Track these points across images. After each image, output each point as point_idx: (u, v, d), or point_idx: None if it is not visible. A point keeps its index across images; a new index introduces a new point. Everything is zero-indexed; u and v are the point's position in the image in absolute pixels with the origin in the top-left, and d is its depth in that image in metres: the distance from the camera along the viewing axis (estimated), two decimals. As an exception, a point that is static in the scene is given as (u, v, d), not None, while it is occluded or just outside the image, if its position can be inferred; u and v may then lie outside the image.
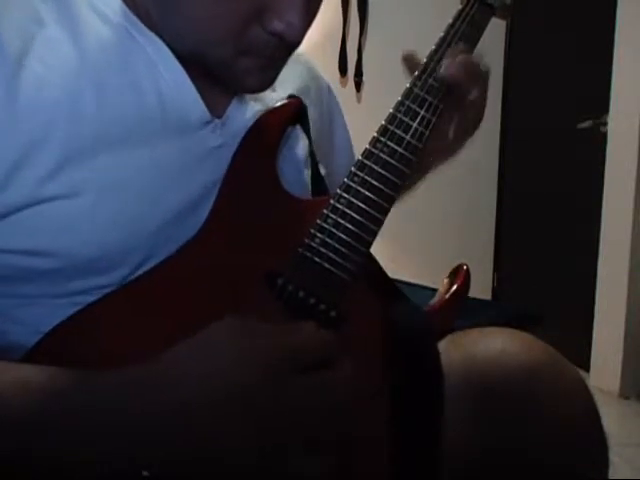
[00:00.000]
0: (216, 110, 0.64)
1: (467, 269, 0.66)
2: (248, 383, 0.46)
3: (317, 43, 2.54)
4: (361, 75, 2.87)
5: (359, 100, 2.88)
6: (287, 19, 0.57)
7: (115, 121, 0.57)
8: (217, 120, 0.63)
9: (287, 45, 0.60)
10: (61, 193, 0.54)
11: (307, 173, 0.71)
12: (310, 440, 0.47)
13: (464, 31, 0.68)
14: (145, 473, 0.46)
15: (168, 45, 0.61)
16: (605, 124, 2.44)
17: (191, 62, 0.62)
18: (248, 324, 0.49)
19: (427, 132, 0.64)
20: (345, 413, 0.49)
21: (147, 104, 0.59)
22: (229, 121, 0.64)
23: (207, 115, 0.62)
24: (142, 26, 0.61)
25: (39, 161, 0.53)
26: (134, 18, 0.61)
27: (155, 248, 0.57)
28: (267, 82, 0.64)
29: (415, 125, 0.64)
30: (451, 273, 0.66)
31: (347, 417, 0.49)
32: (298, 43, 0.60)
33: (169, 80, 0.61)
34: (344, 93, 2.76)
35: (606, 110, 2.42)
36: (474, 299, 0.71)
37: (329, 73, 3.10)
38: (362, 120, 0.85)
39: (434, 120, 0.65)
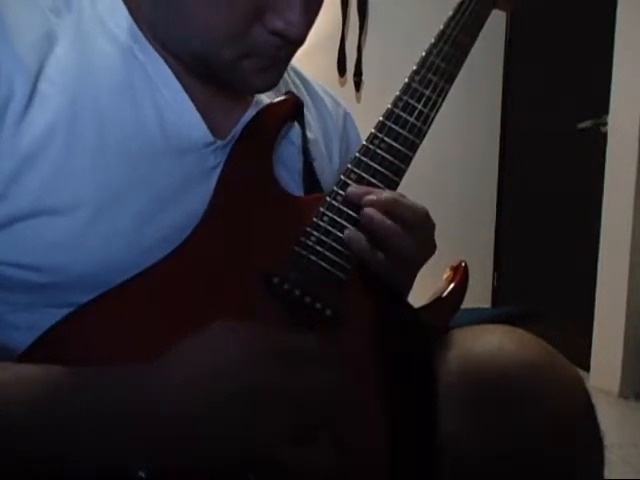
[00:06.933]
0: (221, 132, 0.64)
1: (465, 266, 0.65)
2: (245, 380, 0.46)
3: (316, 43, 2.53)
4: (360, 75, 2.87)
5: (358, 100, 2.88)
6: (287, 17, 0.57)
7: (113, 139, 0.57)
8: (220, 141, 0.63)
9: (289, 44, 0.59)
10: (57, 207, 0.54)
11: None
12: (303, 433, 0.47)
13: (465, 23, 0.68)
14: (141, 474, 0.45)
15: (173, 53, 0.62)
16: (605, 124, 2.44)
17: (196, 68, 0.62)
18: (243, 324, 0.49)
19: (425, 127, 0.64)
20: (330, 407, 0.49)
21: (146, 123, 0.59)
22: (232, 142, 0.64)
23: (209, 136, 0.62)
24: (147, 45, 0.61)
25: (36, 172, 0.54)
26: (140, 36, 0.61)
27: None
28: (271, 82, 0.64)
29: (413, 120, 0.64)
30: (450, 269, 0.66)
31: (332, 411, 0.49)
32: (301, 42, 0.60)
33: (170, 101, 0.61)
34: (343, 93, 2.75)
35: (606, 110, 2.42)
36: (472, 309, 0.71)
37: (328, 73, 3.08)
38: (362, 120, 0.84)
39: (433, 115, 0.65)
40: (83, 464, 0.45)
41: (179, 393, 0.45)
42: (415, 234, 0.61)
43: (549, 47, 2.82)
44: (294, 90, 0.75)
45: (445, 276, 0.66)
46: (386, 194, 0.61)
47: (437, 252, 0.66)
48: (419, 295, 0.69)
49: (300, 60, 0.72)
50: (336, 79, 2.84)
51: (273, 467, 0.46)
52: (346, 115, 0.83)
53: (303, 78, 0.80)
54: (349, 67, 2.87)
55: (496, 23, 2.84)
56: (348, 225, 0.60)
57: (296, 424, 0.46)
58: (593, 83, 2.53)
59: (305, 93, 0.78)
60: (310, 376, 0.47)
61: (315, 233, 0.60)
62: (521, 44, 3.01)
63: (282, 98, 0.69)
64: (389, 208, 0.60)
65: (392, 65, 2.44)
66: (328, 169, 0.74)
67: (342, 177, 0.62)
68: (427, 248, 0.64)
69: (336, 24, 2.82)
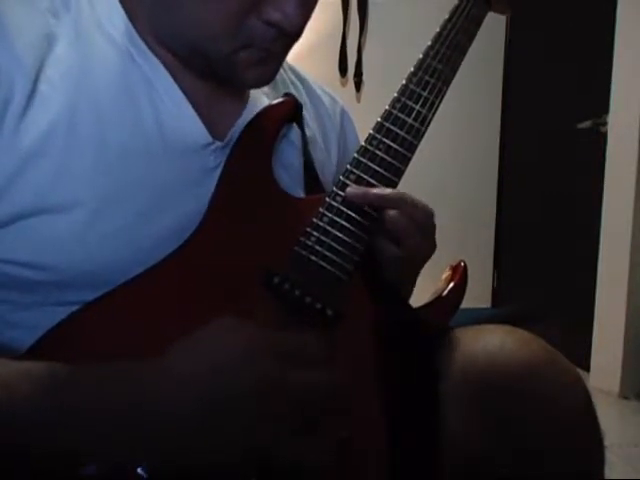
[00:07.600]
0: (219, 132, 0.64)
1: (465, 266, 0.65)
2: (245, 376, 0.46)
3: (317, 43, 2.53)
4: (361, 75, 2.87)
5: (359, 100, 2.88)
6: (284, 9, 0.57)
7: (112, 139, 0.57)
8: (218, 142, 0.63)
9: (285, 36, 0.60)
10: (57, 206, 0.55)
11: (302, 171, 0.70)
12: (303, 428, 0.47)
13: (461, 26, 0.68)
14: (140, 471, 0.46)
15: (172, 51, 0.62)
16: (605, 124, 2.44)
17: (195, 65, 0.62)
18: (243, 322, 0.49)
19: (423, 128, 0.65)
20: (329, 402, 0.49)
21: (145, 125, 0.59)
22: (231, 143, 0.64)
23: (207, 137, 0.62)
24: (144, 47, 0.62)
25: (36, 171, 0.54)
26: (137, 39, 0.62)
27: (150, 265, 0.57)
28: (268, 76, 0.64)
29: (411, 121, 0.64)
30: (450, 269, 0.66)
31: (332, 406, 0.49)
32: (297, 34, 0.60)
33: (168, 103, 0.61)
34: (344, 93, 2.75)
35: (606, 110, 2.41)
36: (472, 309, 0.71)
37: (329, 73, 3.07)
38: (362, 120, 0.84)
39: (430, 116, 0.65)
40: (83, 461, 0.45)
41: (179, 389, 0.45)
42: (422, 232, 0.62)
43: (549, 47, 2.82)
44: (292, 89, 0.76)
45: (444, 276, 0.66)
46: (390, 190, 0.61)
47: (437, 252, 0.66)
48: (419, 295, 0.69)
49: (301, 61, 0.73)
50: (337, 79, 2.84)
51: (273, 463, 0.46)
52: (343, 113, 0.83)
53: (301, 77, 0.80)
54: (350, 67, 2.87)
55: (496, 23, 2.84)
56: (348, 225, 0.61)
57: (295, 419, 0.46)
58: (593, 83, 2.52)
59: (303, 92, 0.78)
60: (309, 371, 0.48)
61: (315, 233, 0.60)
62: (521, 44, 3.01)
63: (281, 100, 0.69)
64: (398, 205, 0.61)
65: (392, 65, 2.43)
66: (327, 167, 0.74)
67: (341, 178, 0.63)
68: (430, 247, 0.65)
69: (337, 25, 2.82)
